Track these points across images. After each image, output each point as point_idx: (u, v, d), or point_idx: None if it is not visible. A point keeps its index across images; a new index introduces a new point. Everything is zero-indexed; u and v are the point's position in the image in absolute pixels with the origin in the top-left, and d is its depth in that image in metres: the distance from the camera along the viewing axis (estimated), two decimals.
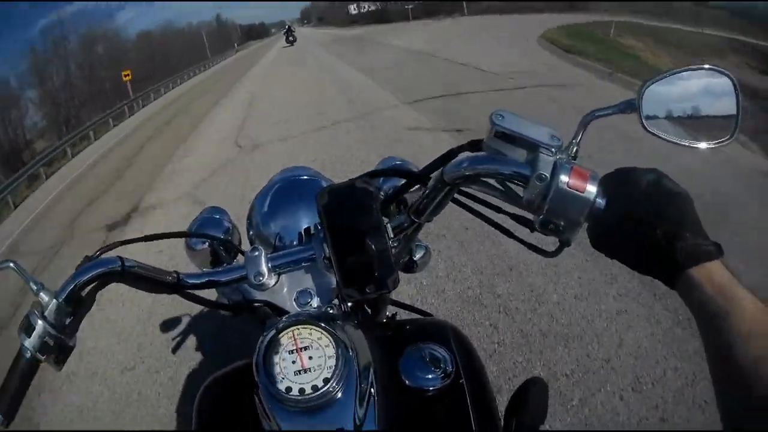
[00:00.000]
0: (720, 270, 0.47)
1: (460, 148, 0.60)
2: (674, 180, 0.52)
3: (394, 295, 0.87)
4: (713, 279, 0.46)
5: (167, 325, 2.62)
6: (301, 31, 61.03)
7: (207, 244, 0.86)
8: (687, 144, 0.53)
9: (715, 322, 0.45)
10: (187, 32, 52.44)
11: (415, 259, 0.88)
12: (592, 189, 0.49)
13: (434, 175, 0.62)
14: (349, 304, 0.67)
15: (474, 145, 0.59)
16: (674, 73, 0.53)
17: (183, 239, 0.87)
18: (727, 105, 0.52)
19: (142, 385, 2.26)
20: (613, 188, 0.51)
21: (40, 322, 0.55)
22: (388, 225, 0.62)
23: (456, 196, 0.64)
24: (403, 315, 0.94)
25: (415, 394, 0.63)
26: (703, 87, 0.53)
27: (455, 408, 0.63)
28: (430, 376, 0.65)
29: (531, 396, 0.76)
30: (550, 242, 0.56)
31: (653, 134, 0.53)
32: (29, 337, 0.54)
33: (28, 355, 0.55)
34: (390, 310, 0.91)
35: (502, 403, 0.71)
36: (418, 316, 0.91)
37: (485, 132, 0.55)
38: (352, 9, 76.53)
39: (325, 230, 0.60)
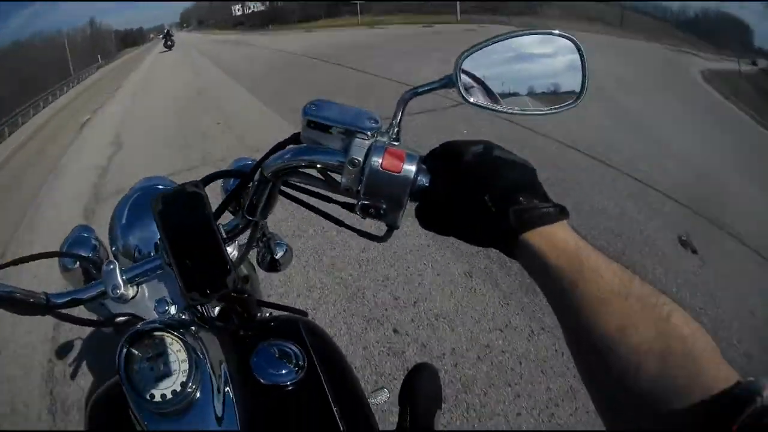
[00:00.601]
0: (565, 234, 0.44)
1: (285, 142, 0.60)
2: (508, 150, 0.49)
3: (265, 297, 0.90)
4: (556, 244, 0.43)
5: (60, 352, 2.56)
6: (179, 36, 54.84)
7: (77, 264, 0.88)
8: (529, 113, 0.51)
9: (563, 292, 0.41)
10: (56, 41, 42.85)
11: (276, 257, 0.95)
12: (409, 168, 0.50)
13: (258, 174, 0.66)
14: (217, 308, 0.72)
15: (293, 139, 0.59)
16: (494, 41, 0.52)
17: (56, 261, 0.90)
18: (566, 66, 0.49)
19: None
20: (439, 164, 0.50)
21: None
22: (220, 226, 0.63)
23: (284, 189, 0.65)
24: None
25: (270, 390, 0.66)
26: (532, 52, 0.50)
27: (313, 399, 0.66)
28: (283, 371, 0.67)
29: (422, 382, 0.77)
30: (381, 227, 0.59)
31: (475, 106, 0.51)
32: None
33: None
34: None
35: (394, 392, 0.73)
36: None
37: (300, 125, 0.57)
38: (237, 10, 69.65)
39: (162, 236, 0.61)
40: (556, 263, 0.42)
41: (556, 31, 0.52)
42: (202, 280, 0.58)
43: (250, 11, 60.36)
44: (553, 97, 0.51)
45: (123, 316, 0.69)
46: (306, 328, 0.74)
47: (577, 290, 0.40)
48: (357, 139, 0.51)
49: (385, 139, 0.53)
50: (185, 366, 0.57)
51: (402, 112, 0.55)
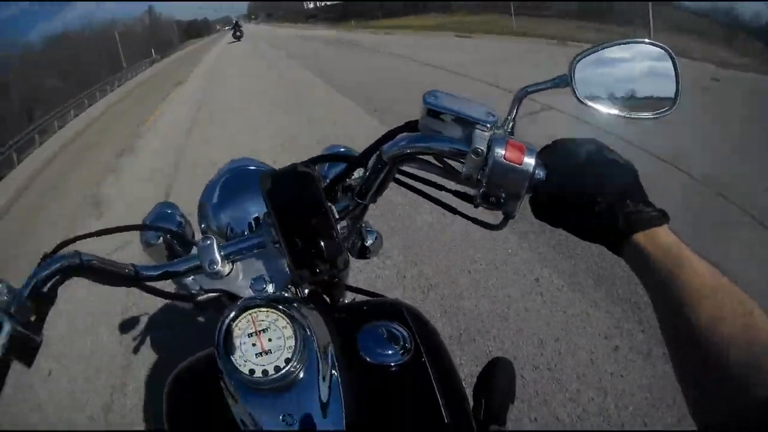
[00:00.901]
0: (666, 235, 0.52)
1: (398, 129, 0.66)
2: (615, 151, 0.57)
3: (351, 282, 0.95)
4: (660, 244, 0.51)
5: (125, 326, 2.84)
6: (247, 28, 54.91)
7: (161, 239, 0.93)
8: (628, 116, 0.58)
9: (665, 287, 0.49)
10: (109, 32, 41.07)
11: (367, 245, 0.99)
12: (529, 161, 0.55)
13: (374, 156, 0.69)
14: (306, 289, 0.78)
15: (409, 126, 0.65)
16: (606, 47, 0.60)
17: (138, 235, 0.95)
18: (663, 77, 0.58)
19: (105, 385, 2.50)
20: (553, 160, 0.56)
21: (6, 320, 0.58)
22: (333, 207, 0.68)
23: (397, 176, 0.71)
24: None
25: (376, 370, 0.70)
26: (639, 58, 0.59)
27: (419, 383, 0.69)
28: (390, 352, 0.71)
29: (498, 376, 0.83)
30: (494, 217, 0.63)
31: (589, 106, 0.59)
32: None
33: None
34: (348, 297, 1.01)
35: (469, 383, 0.77)
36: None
37: (420, 112, 0.61)
38: (308, 3, 69.18)
39: (271, 214, 0.66)
40: (660, 262, 0.50)
41: (647, 41, 0.59)
42: (312, 258, 0.64)
43: (323, 4, 60.14)
44: (648, 101, 0.58)
45: (214, 292, 0.74)
46: (410, 313, 0.78)
47: (677, 286, 0.48)
48: (477, 131, 0.57)
49: (501, 132, 0.59)
50: (291, 342, 0.61)
51: (517, 109, 0.61)
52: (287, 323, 0.63)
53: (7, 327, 0.58)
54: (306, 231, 0.64)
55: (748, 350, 0.43)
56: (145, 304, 2.88)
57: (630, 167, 0.56)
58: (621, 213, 0.52)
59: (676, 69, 0.59)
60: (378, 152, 0.66)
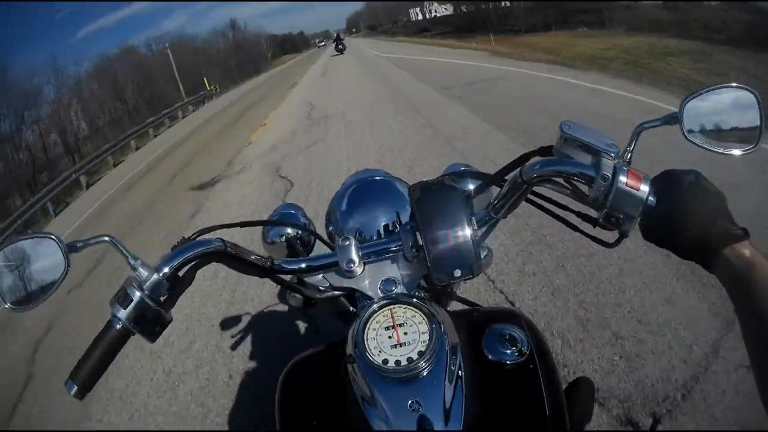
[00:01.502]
0: (749, 249, 0.67)
1: (532, 153, 0.87)
2: (708, 179, 0.74)
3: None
4: (743, 257, 0.67)
5: (225, 324, 3.43)
6: (348, 42, 55.84)
7: (284, 238, 1.17)
8: (720, 151, 0.76)
9: (747, 293, 0.65)
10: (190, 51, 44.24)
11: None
12: (645, 188, 0.72)
13: (511, 175, 0.87)
14: (420, 293, 0.92)
15: (544, 151, 0.85)
16: (709, 90, 0.77)
17: (261, 230, 1.20)
18: (751, 116, 0.76)
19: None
20: (661, 187, 0.74)
21: (138, 293, 0.73)
22: (473, 218, 0.85)
23: (528, 195, 0.87)
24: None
25: (495, 367, 0.81)
26: (732, 101, 0.77)
27: (529, 385, 0.81)
28: (508, 351, 0.82)
29: (579, 394, 1.00)
30: (609, 236, 0.81)
31: (693, 143, 0.77)
32: (124, 309, 0.72)
33: (119, 326, 0.73)
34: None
35: None
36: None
37: (555, 140, 0.81)
38: (416, 13, 64.50)
39: (417, 220, 0.83)
40: (744, 273, 0.65)
41: (734, 84, 0.77)
42: (451, 263, 0.81)
43: (433, 15, 57.44)
44: (735, 139, 0.77)
45: (343, 291, 0.93)
46: (525, 321, 0.90)
47: (756, 291, 0.63)
48: (603, 159, 0.74)
49: (621, 161, 0.76)
50: (425, 338, 0.75)
51: (635, 142, 0.78)
52: (423, 320, 0.77)
53: (137, 301, 0.73)
54: (449, 239, 0.81)
55: None
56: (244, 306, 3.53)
57: (720, 193, 0.73)
58: (712, 232, 0.69)
59: (760, 110, 0.77)
60: (518, 172, 0.83)
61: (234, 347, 3.18)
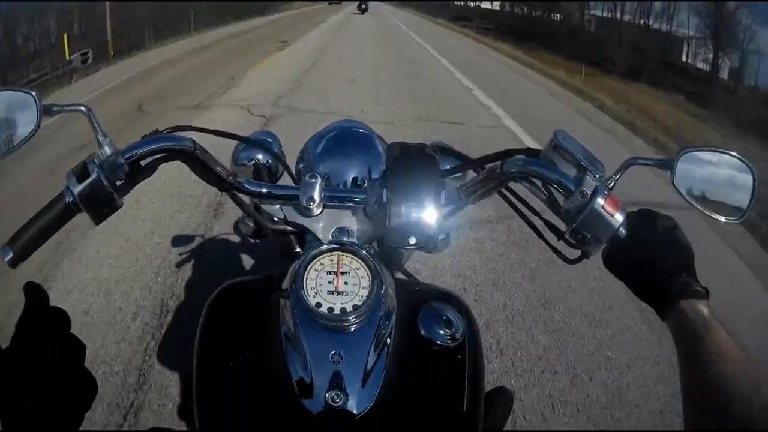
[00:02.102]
0: (707, 309, 0.75)
1: (518, 150, 0.94)
2: (683, 232, 0.82)
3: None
4: (700, 314, 0.75)
5: (177, 241, 3.81)
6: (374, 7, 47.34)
7: (253, 162, 1.25)
8: (705, 212, 0.84)
9: (697, 351, 0.73)
10: None
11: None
12: (619, 217, 0.80)
13: (490, 164, 0.95)
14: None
15: (531, 152, 0.92)
16: (711, 150, 0.87)
17: (233, 148, 1.29)
18: (744, 189, 0.85)
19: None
20: (635, 223, 0.82)
21: (96, 171, 0.78)
22: (443, 193, 0.90)
23: (502, 189, 0.95)
24: None
25: (425, 343, 0.88)
26: (730, 168, 0.86)
27: (454, 373, 0.88)
28: (441, 332, 0.89)
29: (498, 401, 1.11)
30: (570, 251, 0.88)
31: (679, 193, 0.85)
32: (79, 183, 0.78)
33: (70, 199, 0.78)
34: None
35: None
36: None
37: (545, 144, 0.87)
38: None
39: (389, 178, 0.88)
40: (696, 330, 0.74)
41: (734, 154, 0.88)
42: (413, 229, 0.87)
43: (476, 4, 47.55)
44: (723, 205, 0.87)
45: (294, 227, 1.02)
46: (465, 309, 0.99)
47: (705, 353, 0.72)
48: (588, 177, 0.82)
49: (603, 185, 0.84)
50: (364, 292, 0.82)
51: (621, 173, 0.86)
52: (367, 274, 0.84)
53: (93, 178, 0.78)
54: (415, 205, 0.86)
55: (749, 385, 0.68)
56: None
57: (689, 247, 0.81)
58: (675, 282, 0.77)
59: (754, 186, 0.85)
60: (499, 163, 0.90)
61: (179, 265, 3.52)
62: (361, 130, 1.33)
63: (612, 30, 24.90)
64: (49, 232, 0.80)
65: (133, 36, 19.80)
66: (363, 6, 41.58)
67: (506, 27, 32.22)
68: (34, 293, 0.66)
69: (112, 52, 15.94)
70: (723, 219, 0.87)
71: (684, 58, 22.64)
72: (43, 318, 0.65)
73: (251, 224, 1.17)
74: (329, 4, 46.02)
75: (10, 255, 0.78)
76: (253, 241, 1.24)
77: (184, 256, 3.62)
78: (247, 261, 3.37)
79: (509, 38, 26.12)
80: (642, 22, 24.57)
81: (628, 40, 22.39)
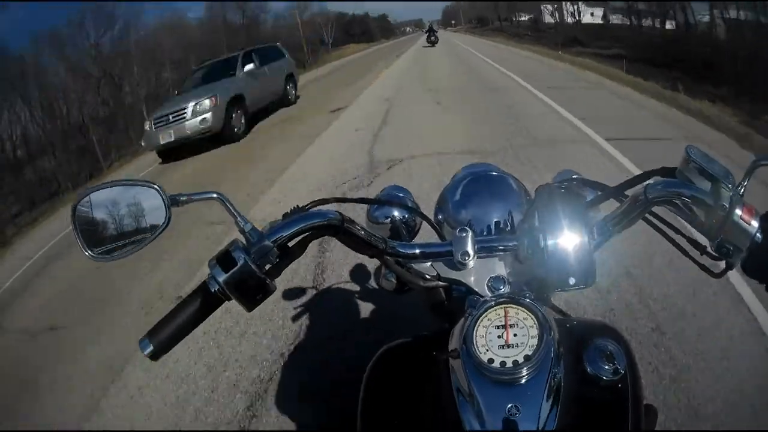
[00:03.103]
0: None
1: (654, 172, 0.99)
2: None
3: None
4: None
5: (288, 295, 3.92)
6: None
7: (389, 219, 1.31)
8: None
9: None
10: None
11: None
12: (755, 224, 0.84)
13: (632, 191, 0.97)
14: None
15: (666, 171, 0.97)
16: None
17: (366, 209, 1.36)
18: None
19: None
20: None
21: (243, 257, 0.80)
22: (594, 229, 0.94)
23: (647, 215, 0.98)
24: None
25: (592, 381, 0.90)
26: None
27: (620, 406, 0.91)
28: (606, 367, 0.90)
29: (647, 422, 1.07)
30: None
31: None
32: (225, 272, 0.80)
33: (215, 288, 0.81)
34: None
35: None
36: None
37: (680, 161, 0.92)
38: (550, 11, 40.99)
39: (540, 222, 0.92)
40: None
41: None
42: (568, 271, 0.91)
43: (576, 20, 34.88)
44: None
45: (449, 282, 1.04)
46: (623, 339, 1.01)
47: None
48: (722, 189, 0.85)
49: (736, 192, 0.86)
50: (534, 342, 0.82)
51: (750, 177, 0.88)
52: (534, 323, 0.85)
53: (241, 265, 0.80)
54: (569, 245, 0.91)
55: None
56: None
57: None
58: None
59: None
60: (642, 188, 0.92)
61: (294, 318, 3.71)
62: (494, 173, 1.34)
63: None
64: (192, 325, 0.82)
65: None
66: (432, 38, 38.93)
67: (639, 51, 20.90)
68: None
69: None
70: None
71: None
72: None
73: (393, 280, 1.16)
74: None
75: (150, 348, 0.79)
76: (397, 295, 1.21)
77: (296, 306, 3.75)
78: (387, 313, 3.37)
79: (666, 73, 15.24)
80: None
81: None
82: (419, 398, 0.95)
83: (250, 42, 22.78)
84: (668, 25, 23.60)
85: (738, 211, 0.83)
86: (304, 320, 3.62)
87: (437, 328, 1.02)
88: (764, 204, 0.95)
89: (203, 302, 0.82)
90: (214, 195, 0.84)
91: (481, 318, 0.87)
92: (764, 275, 0.86)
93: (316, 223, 0.89)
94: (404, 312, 2.52)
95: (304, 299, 3.81)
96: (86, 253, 0.84)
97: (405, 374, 1.01)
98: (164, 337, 0.80)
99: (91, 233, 0.85)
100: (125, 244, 0.84)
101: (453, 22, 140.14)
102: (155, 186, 0.83)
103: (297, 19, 46.78)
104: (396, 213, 1.31)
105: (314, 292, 3.89)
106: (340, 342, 3.32)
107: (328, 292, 3.89)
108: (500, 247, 1.00)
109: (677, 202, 0.92)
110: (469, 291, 1.00)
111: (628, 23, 27.29)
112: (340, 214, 0.91)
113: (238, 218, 0.85)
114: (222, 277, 0.80)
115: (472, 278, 1.01)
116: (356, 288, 3.76)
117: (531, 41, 32.15)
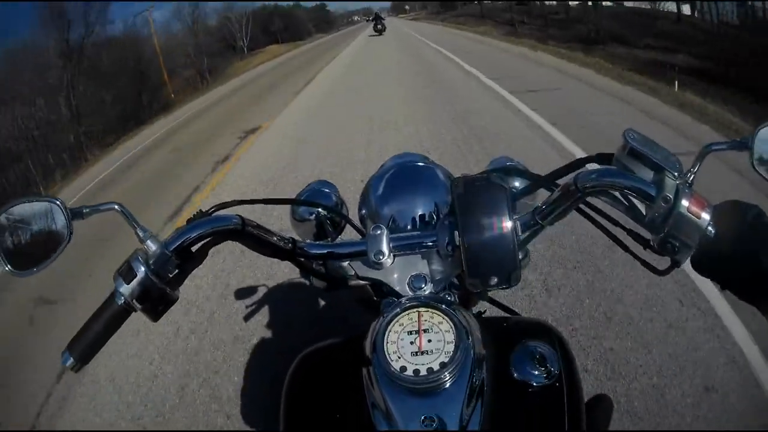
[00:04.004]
0: None
1: (588, 159, 0.91)
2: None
3: None
4: None
5: (241, 294, 3.84)
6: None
7: (314, 216, 1.25)
8: None
9: None
10: None
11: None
12: (706, 217, 0.76)
13: (563, 181, 0.89)
14: (450, 296, 0.97)
15: (602, 158, 0.88)
16: None
17: (289, 207, 1.29)
18: None
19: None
20: (721, 219, 0.76)
21: (143, 269, 0.79)
22: (518, 222, 0.86)
23: (581, 206, 0.90)
24: (492, 312, 1.28)
25: (520, 387, 0.85)
26: None
27: (553, 409, 0.85)
28: (536, 373, 0.86)
29: (598, 412, 1.12)
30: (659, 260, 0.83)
31: (760, 175, 0.79)
32: (127, 284, 0.79)
33: (122, 301, 0.80)
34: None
35: None
36: (506, 314, 1.24)
37: (616, 147, 0.83)
38: None
39: (457, 218, 0.85)
40: None
41: None
42: (489, 269, 0.84)
43: None
44: None
45: (368, 281, 0.98)
46: (558, 338, 0.95)
47: None
48: (667, 178, 0.77)
49: (682, 182, 0.78)
50: (450, 348, 0.77)
51: (700, 164, 0.79)
52: (451, 328, 0.79)
53: (141, 277, 0.79)
54: (490, 242, 0.83)
55: None
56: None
57: None
58: None
59: None
60: (572, 179, 0.83)
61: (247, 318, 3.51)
62: (420, 164, 1.26)
63: None
64: (106, 336, 0.81)
65: None
66: (379, 26, 38.96)
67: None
68: None
69: None
70: None
71: None
72: None
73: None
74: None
75: (71, 361, 0.79)
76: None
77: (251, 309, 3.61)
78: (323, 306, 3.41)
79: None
80: None
81: None
82: (339, 410, 0.90)
83: None
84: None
85: (685, 203, 0.76)
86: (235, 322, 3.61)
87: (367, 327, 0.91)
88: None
89: (113, 314, 0.81)
90: (116, 206, 0.82)
91: (391, 323, 0.82)
92: (717, 274, 0.78)
93: (216, 228, 0.86)
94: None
95: (239, 302, 3.83)
96: (5, 269, 0.84)
97: (325, 381, 0.96)
98: (83, 349, 0.80)
99: (5, 249, 0.85)
100: (38, 258, 0.85)
101: (407, 7, 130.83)
102: (57, 201, 0.83)
103: (152, 30, 28.90)
104: (321, 209, 1.26)
105: (240, 292, 3.88)
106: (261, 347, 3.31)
107: (240, 293, 3.91)
108: (418, 244, 0.95)
109: (614, 193, 0.85)
110: (390, 290, 0.95)
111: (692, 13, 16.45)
112: (241, 217, 0.88)
113: (138, 228, 0.82)
114: (124, 289, 0.79)
115: (395, 276, 0.95)
116: (288, 285, 3.73)
117: (532, 34, 22.85)
